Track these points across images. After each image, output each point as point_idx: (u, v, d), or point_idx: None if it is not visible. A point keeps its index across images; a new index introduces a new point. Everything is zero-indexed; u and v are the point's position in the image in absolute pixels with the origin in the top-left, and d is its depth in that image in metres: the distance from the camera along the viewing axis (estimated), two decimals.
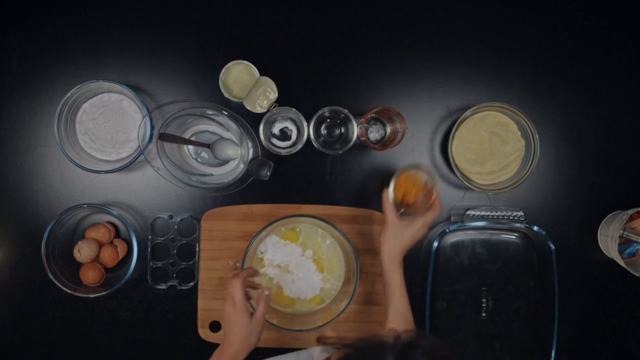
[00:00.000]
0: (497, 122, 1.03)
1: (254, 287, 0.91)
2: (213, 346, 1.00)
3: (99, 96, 1.01)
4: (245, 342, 0.82)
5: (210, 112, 0.98)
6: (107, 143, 1.00)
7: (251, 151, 0.97)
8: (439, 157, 1.05)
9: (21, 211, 1.03)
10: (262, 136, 0.97)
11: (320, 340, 0.70)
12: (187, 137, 1.01)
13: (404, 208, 0.92)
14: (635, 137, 1.06)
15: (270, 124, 1.02)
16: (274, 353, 1.02)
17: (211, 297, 1.02)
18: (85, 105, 1.00)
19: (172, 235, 1.03)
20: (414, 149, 1.05)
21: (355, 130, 0.97)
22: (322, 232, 1.01)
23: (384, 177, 1.04)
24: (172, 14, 1.04)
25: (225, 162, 1.02)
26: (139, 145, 0.96)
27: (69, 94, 0.95)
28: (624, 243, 1.02)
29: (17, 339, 1.03)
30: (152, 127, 0.96)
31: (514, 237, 1.05)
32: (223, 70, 0.99)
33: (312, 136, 0.97)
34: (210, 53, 1.03)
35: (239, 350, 0.82)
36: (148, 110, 0.96)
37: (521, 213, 0.99)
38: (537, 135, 0.99)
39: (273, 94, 0.99)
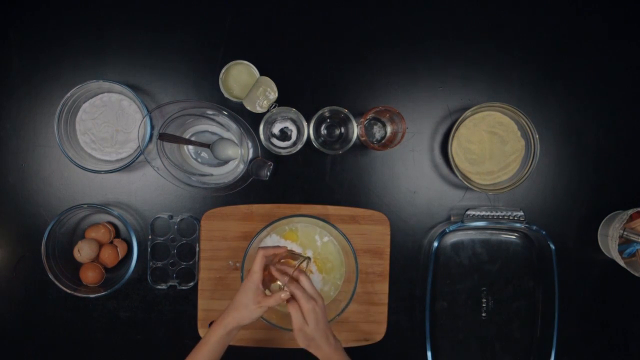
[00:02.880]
0: (497, 122, 1.03)
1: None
2: None
3: (99, 96, 1.01)
4: (237, 310, 0.83)
5: (210, 112, 0.98)
6: (107, 143, 1.00)
7: (251, 151, 0.97)
8: (439, 157, 1.05)
9: (21, 211, 1.03)
10: (262, 136, 0.97)
11: None
12: (187, 137, 1.01)
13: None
14: (635, 137, 1.06)
15: (270, 124, 1.02)
16: (274, 354, 1.02)
17: (211, 297, 1.02)
18: (85, 105, 1.00)
19: (172, 235, 1.03)
20: (414, 149, 1.05)
21: (355, 130, 0.97)
22: (320, 232, 1.01)
23: (384, 177, 1.04)
24: (172, 14, 1.04)
25: (225, 162, 1.02)
26: (139, 145, 0.96)
27: (69, 94, 0.95)
28: (624, 243, 1.02)
29: (17, 339, 1.03)
30: (152, 127, 0.96)
31: (514, 237, 1.05)
32: (223, 70, 0.99)
33: (312, 136, 0.97)
34: (210, 53, 1.03)
35: (240, 318, 0.83)
36: (148, 110, 0.96)
37: (521, 213, 0.99)
38: (537, 135, 0.99)
39: (273, 94, 0.99)
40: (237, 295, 0.85)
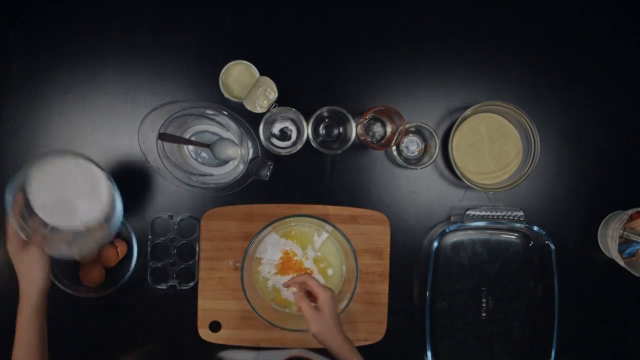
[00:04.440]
0: (497, 122, 1.03)
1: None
2: (213, 346, 1.01)
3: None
4: (29, 275, 0.79)
5: (210, 112, 0.98)
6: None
7: (251, 151, 0.97)
8: (439, 157, 1.05)
9: None
10: (262, 136, 0.97)
11: None
12: (187, 137, 1.01)
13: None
14: (635, 137, 1.06)
15: (270, 124, 1.02)
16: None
17: (211, 297, 1.02)
18: None
19: (172, 235, 1.03)
20: None
21: (354, 130, 0.97)
22: (320, 231, 1.01)
23: (384, 177, 1.04)
24: (172, 14, 1.04)
25: (225, 162, 1.02)
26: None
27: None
28: (624, 243, 1.02)
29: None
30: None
31: (514, 237, 1.05)
32: (223, 70, 0.99)
33: (310, 136, 0.97)
34: (210, 53, 1.03)
35: (27, 285, 0.79)
36: (151, 110, 0.96)
37: (521, 213, 0.99)
38: (537, 135, 0.99)
39: (273, 94, 0.99)
40: (17, 267, 0.79)
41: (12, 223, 0.78)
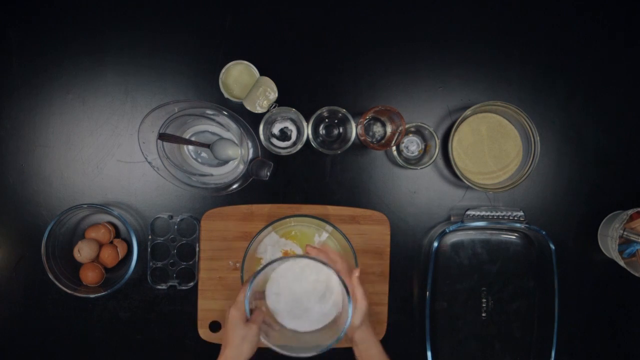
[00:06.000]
0: (497, 122, 1.03)
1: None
2: (213, 346, 1.01)
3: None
4: (238, 348, 0.78)
5: (210, 112, 0.98)
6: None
7: (251, 151, 0.97)
8: (439, 157, 1.05)
9: (21, 211, 1.03)
10: (262, 136, 0.97)
11: None
12: (187, 137, 1.01)
13: None
14: (635, 137, 1.06)
15: (270, 124, 1.02)
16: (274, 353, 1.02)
17: (211, 297, 1.02)
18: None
19: (172, 235, 1.03)
20: None
21: (354, 130, 0.97)
22: (320, 232, 1.01)
23: (384, 177, 1.04)
24: (172, 13, 1.04)
25: (225, 162, 1.02)
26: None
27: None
28: (624, 243, 1.02)
29: (17, 339, 1.03)
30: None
31: (514, 237, 1.05)
32: (223, 70, 0.99)
33: (310, 136, 0.97)
34: (210, 53, 1.03)
35: (232, 356, 0.78)
36: (151, 110, 0.96)
37: (521, 213, 0.99)
38: (537, 135, 0.99)
39: (273, 94, 0.99)
40: (229, 336, 0.78)
41: (248, 294, 0.78)
